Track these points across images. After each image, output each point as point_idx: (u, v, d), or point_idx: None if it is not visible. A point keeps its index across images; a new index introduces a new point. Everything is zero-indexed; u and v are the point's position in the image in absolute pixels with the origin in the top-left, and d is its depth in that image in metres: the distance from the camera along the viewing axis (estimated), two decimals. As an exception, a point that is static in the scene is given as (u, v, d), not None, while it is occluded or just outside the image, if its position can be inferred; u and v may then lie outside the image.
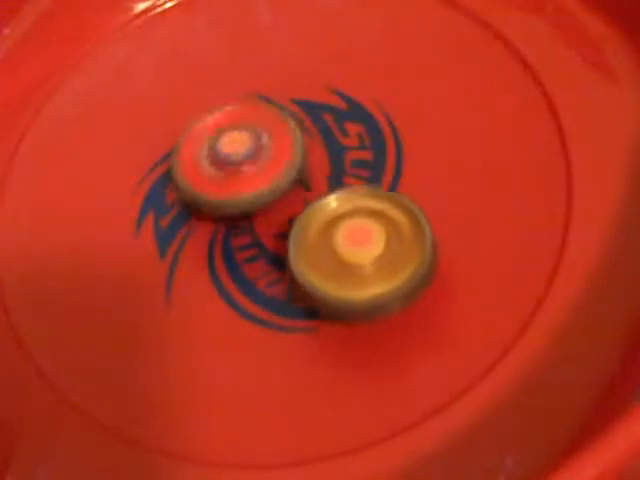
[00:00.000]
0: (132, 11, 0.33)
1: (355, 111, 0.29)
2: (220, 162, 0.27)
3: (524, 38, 0.29)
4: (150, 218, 0.28)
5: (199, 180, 0.27)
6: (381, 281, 0.24)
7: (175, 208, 0.28)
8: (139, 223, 0.28)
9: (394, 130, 0.29)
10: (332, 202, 0.26)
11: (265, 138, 0.27)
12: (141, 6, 0.33)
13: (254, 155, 0.27)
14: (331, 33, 0.31)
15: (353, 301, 0.24)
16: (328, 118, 0.29)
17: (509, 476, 0.23)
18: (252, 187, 0.26)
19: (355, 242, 0.24)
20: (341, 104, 0.29)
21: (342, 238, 0.24)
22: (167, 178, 0.29)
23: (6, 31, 0.32)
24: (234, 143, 0.27)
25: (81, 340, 0.27)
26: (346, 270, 0.24)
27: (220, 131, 0.27)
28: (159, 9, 0.33)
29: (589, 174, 0.26)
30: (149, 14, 0.33)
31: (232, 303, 0.26)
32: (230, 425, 0.25)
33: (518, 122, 0.28)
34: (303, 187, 0.27)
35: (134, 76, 0.32)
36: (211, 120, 0.28)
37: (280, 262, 0.27)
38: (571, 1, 0.29)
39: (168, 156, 0.29)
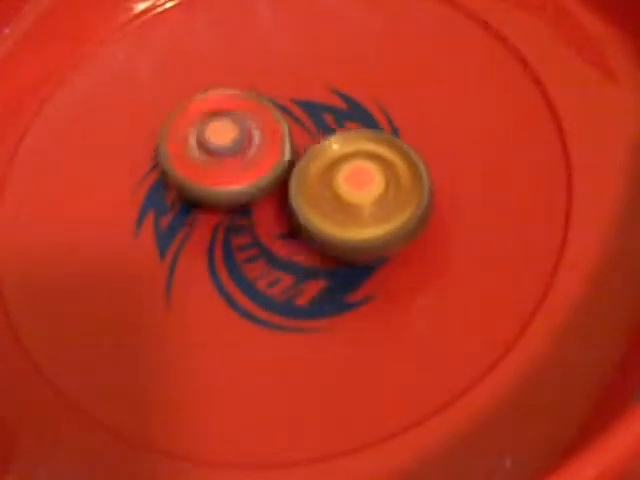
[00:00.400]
0: (132, 11, 0.33)
1: (355, 111, 0.29)
2: (209, 151, 0.27)
3: (524, 38, 0.29)
4: (150, 218, 0.28)
5: (189, 170, 0.27)
6: (379, 222, 0.25)
7: (175, 208, 0.28)
8: (139, 223, 0.28)
9: (394, 130, 0.29)
10: (333, 144, 0.26)
11: (255, 129, 0.27)
12: (141, 6, 0.33)
13: (244, 146, 0.27)
14: (331, 33, 0.31)
15: (352, 240, 0.25)
16: (328, 118, 0.29)
17: (509, 476, 0.23)
18: (240, 181, 0.26)
19: (355, 184, 0.25)
20: (341, 104, 0.29)
21: (342, 179, 0.25)
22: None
23: (6, 31, 0.32)
24: (222, 132, 0.26)
25: (81, 340, 0.27)
26: (345, 210, 0.25)
27: (209, 117, 0.27)
28: (159, 9, 0.33)
29: (589, 174, 0.26)
30: (149, 14, 0.33)
31: (232, 303, 0.26)
32: (230, 425, 0.25)
33: (518, 122, 0.28)
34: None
35: (134, 76, 0.32)
36: (198, 104, 0.27)
37: (280, 262, 0.27)
38: (571, 1, 0.29)
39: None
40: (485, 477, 0.23)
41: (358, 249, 0.25)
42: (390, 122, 0.29)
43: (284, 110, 0.29)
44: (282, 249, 0.27)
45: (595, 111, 0.27)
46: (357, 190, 0.25)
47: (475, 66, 0.29)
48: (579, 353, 0.24)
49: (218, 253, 0.27)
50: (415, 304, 0.26)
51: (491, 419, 0.23)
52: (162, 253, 0.28)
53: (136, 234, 0.28)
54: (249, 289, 0.27)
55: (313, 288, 0.26)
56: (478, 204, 0.27)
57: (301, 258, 0.27)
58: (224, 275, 0.27)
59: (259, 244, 0.27)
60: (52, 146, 0.31)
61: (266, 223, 0.28)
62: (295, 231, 0.26)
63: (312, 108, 0.29)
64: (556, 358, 0.24)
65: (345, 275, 0.26)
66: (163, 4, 0.33)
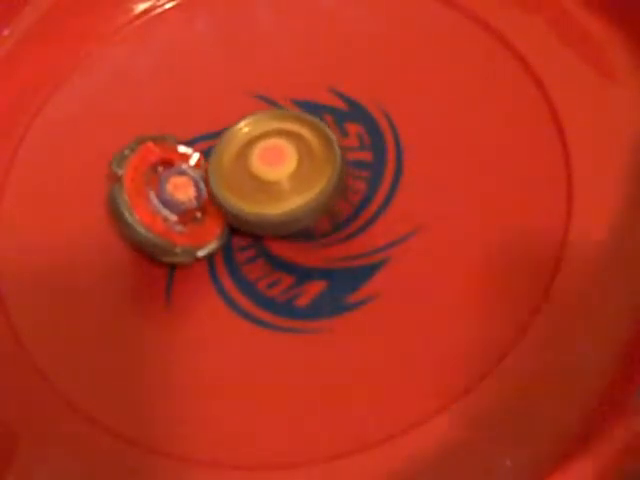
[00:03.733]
0: (132, 12, 0.33)
1: (355, 111, 0.29)
2: (175, 209, 0.27)
3: (524, 38, 0.29)
4: (150, 218, 0.28)
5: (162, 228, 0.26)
6: (295, 196, 0.26)
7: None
8: (139, 223, 0.28)
9: (394, 130, 0.29)
10: (244, 127, 0.27)
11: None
12: (141, 7, 0.33)
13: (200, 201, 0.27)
14: (331, 33, 0.31)
15: (270, 215, 0.25)
16: (328, 118, 0.29)
17: (509, 477, 0.23)
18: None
19: (269, 161, 0.26)
20: (341, 104, 0.29)
21: (256, 159, 0.26)
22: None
23: (6, 31, 0.32)
24: (182, 189, 0.27)
25: (81, 340, 0.27)
26: (265, 189, 0.26)
27: (164, 173, 0.27)
28: (159, 10, 0.33)
29: (589, 174, 0.26)
30: (149, 15, 0.33)
31: (232, 303, 0.26)
32: (230, 425, 0.25)
33: (518, 122, 0.28)
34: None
35: (134, 76, 0.32)
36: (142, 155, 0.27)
37: (280, 263, 0.27)
38: (571, 1, 0.29)
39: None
40: (485, 477, 0.23)
41: (283, 223, 0.26)
42: (390, 122, 0.29)
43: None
44: (282, 250, 0.27)
45: (595, 111, 0.27)
46: (272, 167, 0.26)
47: (475, 66, 0.29)
48: (579, 354, 0.24)
49: (218, 253, 0.27)
50: (415, 305, 0.26)
51: (491, 420, 0.23)
52: (162, 253, 0.28)
53: (136, 234, 0.28)
54: (249, 290, 0.27)
55: (313, 289, 0.26)
56: (478, 204, 0.27)
57: (301, 259, 0.27)
58: (224, 276, 0.27)
59: (259, 244, 0.27)
60: (52, 146, 0.31)
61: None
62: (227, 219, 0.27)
63: (312, 108, 0.29)
64: (556, 359, 0.24)
65: (345, 276, 0.26)
66: (163, 5, 0.33)
